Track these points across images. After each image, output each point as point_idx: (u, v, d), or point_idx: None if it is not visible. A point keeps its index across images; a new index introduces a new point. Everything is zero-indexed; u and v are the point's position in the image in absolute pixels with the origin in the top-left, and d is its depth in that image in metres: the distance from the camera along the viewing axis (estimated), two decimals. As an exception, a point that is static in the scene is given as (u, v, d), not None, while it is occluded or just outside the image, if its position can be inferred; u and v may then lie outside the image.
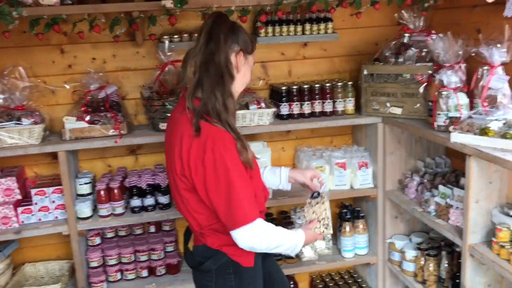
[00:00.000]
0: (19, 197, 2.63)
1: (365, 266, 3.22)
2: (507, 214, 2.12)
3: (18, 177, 2.65)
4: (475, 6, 2.55)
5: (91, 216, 2.69)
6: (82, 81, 2.71)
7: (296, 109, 2.82)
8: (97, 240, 2.85)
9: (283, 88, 2.82)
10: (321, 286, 3.23)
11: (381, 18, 3.04)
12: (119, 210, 2.71)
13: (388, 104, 2.73)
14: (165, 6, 2.47)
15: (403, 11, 2.74)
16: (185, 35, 2.72)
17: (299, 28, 2.81)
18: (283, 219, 3.08)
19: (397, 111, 2.70)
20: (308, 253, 3.00)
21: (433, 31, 2.67)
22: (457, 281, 2.40)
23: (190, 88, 1.81)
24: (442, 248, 2.63)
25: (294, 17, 2.81)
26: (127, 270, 2.87)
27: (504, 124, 2.06)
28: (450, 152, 2.91)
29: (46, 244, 2.93)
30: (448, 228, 2.37)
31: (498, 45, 2.20)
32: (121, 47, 2.81)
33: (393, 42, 2.81)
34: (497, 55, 2.21)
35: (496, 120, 2.10)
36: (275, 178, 2.21)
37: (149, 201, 2.75)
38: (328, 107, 2.85)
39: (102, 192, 2.66)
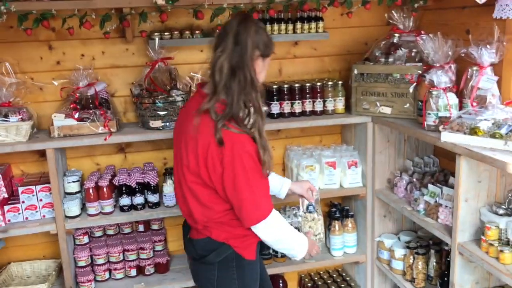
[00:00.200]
0: (5, 195, 2.59)
1: (353, 264, 3.23)
2: (496, 213, 2.15)
3: (4, 175, 2.61)
4: (464, 7, 2.59)
5: (79, 215, 2.66)
6: (70, 78, 2.67)
7: (287, 108, 2.83)
8: (85, 239, 2.82)
9: (274, 87, 2.82)
10: (310, 284, 3.25)
11: (371, 18, 3.06)
12: (108, 209, 2.68)
13: (378, 104, 2.74)
14: (156, 3, 2.46)
15: (393, 11, 2.76)
16: (176, 32, 2.71)
17: (290, 26, 2.82)
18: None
19: (387, 110, 2.72)
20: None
21: (422, 32, 2.70)
22: (445, 279, 2.43)
23: (213, 88, 1.83)
24: (431, 247, 2.66)
25: (285, 16, 2.81)
26: (115, 269, 2.84)
27: (493, 124, 2.09)
28: (438, 152, 2.95)
29: (33, 243, 2.89)
30: (437, 227, 2.39)
31: (488, 46, 2.24)
32: (110, 44, 2.78)
33: (383, 42, 2.83)
34: (487, 55, 2.24)
35: (485, 120, 2.12)
36: (277, 186, 2.33)
37: (139, 199, 2.72)
38: (319, 106, 2.85)
39: (90, 191, 2.64)
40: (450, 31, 2.57)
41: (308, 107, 2.85)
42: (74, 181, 2.67)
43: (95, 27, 2.57)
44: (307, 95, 2.84)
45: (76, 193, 2.67)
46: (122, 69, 2.84)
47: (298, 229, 2.30)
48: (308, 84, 2.86)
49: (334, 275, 3.29)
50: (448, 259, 2.39)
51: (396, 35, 2.78)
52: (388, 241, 2.92)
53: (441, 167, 2.89)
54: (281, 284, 3.15)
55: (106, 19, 2.52)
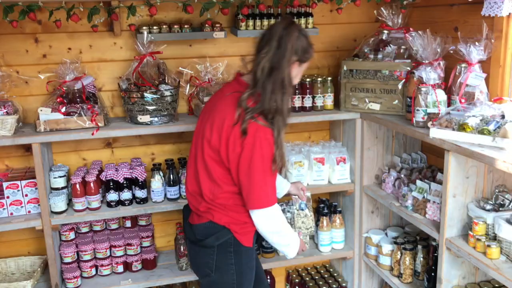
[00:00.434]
0: (-10, 190, 2.55)
1: (341, 260, 3.25)
2: (483, 208, 2.17)
3: (-11, 170, 2.57)
4: (453, 4, 2.61)
5: (65, 210, 2.62)
6: (57, 72, 2.63)
7: (276, 104, 2.81)
8: (71, 235, 2.78)
9: (263, 82, 2.80)
10: (297, 280, 3.25)
11: (360, 14, 3.07)
12: (95, 204, 2.65)
13: (367, 100, 2.75)
14: (145, -4, 2.43)
15: (382, 8, 2.77)
16: (164, 26, 2.68)
17: (280, 22, 2.81)
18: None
19: (376, 107, 2.73)
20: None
21: (411, 29, 2.71)
22: (432, 274, 2.45)
23: (253, 82, 1.95)
24: (418, 242, 2.68)
25: (275, 11, 2.80)
26: (102, 265, 2.81)
27: (481, 120, 2.11)
28: (426, 148, 2.97)
29: (17, 239, 2.85)
30: (425, 222, 2.41)
31: (476, 43, 2.26)
32: (98, 38, 2.74)
33: (372, 39, 2.84)
34: (475, 52, 2.26)
35: (473, 116, 2.15)
36: (280, 185, 2.42)
37: (126, 195, 2.70)
38: (308, 103, 2.85)
39: (77, 186, 2.60)
40: (439, 28, 2.59)
41: (297, 103, 2.85)
42: (60, 176, 2.63)
43: (82, 20, 2.54)
44: (296, 91, 2.83)
45: (62, 188, 2.64)
46: (110, 63, 2.80)
47: (290, 224, 2.37)
48: (297, 80, 2.84)
49: (322, 271, 3.30)
50: (435, 254, 2.41)
51: (385, 31, 2.79)
52: (376, 236, 2.93)
53: (429, 164, 2.92)
54: (268, 280, 3.15)
55: (94, 12, 2.48)
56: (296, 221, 2.60)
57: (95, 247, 2.79)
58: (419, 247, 2.64)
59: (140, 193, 2.71)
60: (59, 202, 2.58)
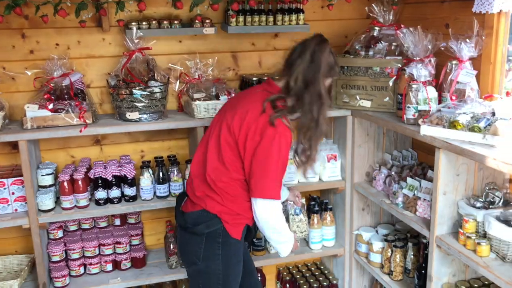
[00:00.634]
0: (-24, 188, 2.51)
1: (332, 257, 3.24)
2: (473, 206, 2.17)
3: (-25, 167, 2.53)
4: (444, 1, 2.60)
5: (53, 209, 2.59)
6: (44, 68, 2.59)
7: (266, 101, 2.79)
8: (60, 233, 2.75)
9: (254, 79, 2.78)
10: (288, 278, 3.24)
11: (351, 11, 3.05)
12: (83, 202, 2.62)
13: (358, 97, 2.74)
14: (134, -9, 2.39)
15: (373, 5, 2.76)
16: (154, 22, 2.65)
17: (271, 18, 2.78)
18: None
19: (367, 104, 2.72)
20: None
21: (402, 25, 2.70)
22: (423, 271, 2.45)
23: (286, 90, 2.05)
24: (408, 240, 2.68)
25: (265, 7, 2.78)
26: (90, 264, 2.78)
27: (472, 117, 2.11)
28: (417, 146, 2.97)
29: (4, 238, 2.81)
30: (416, 220, 2.40)
31: (467, 40, 2.25)
32: (86, 33, 2.70)
33: (363, 36, 2.83)
34: (466, 49, 2.25)
35: (464, 113, 2.14)
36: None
37: (115, 193, 2.67)
38: (299, 99, 2.83)
39: (65, 184, 2.57)
40: (429, 25, 2.58)
41: (288, 100, 2.83)
42: (48, 174, 2.59)
43: (70, 16, 2.50)
44: (287, 88, 2.81)
45: (50, 186, 2.60)
46: (99, 59, 2.77)
47: None
48: (288, 77, 2.82)
49: (313, 268, 3.29)
50: (426, 252, 2.41)
51: (376, 28, 2.78)
52: (366, 234, 2.93)
53: (420, 161, 2.91)
54: (259, 278, 3.13)
55: (81, 7, 2.45)
56: (292, 225, 2.72)
57: (83, 245, 2.76)
58: (410, 244, 2.64)
59: (129, 191, 2.68)
60: (46, 200, 2.54)
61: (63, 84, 2.59)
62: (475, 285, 2.29)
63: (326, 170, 2.93)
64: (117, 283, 2.73)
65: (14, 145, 2.57)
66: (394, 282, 2.69)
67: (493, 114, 2.11)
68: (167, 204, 2.71)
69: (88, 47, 2.74)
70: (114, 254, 2.82)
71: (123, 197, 2.71)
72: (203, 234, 2.08)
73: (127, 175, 2.67)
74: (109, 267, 2.81)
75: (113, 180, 2.65)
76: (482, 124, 2.03)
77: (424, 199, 2.39)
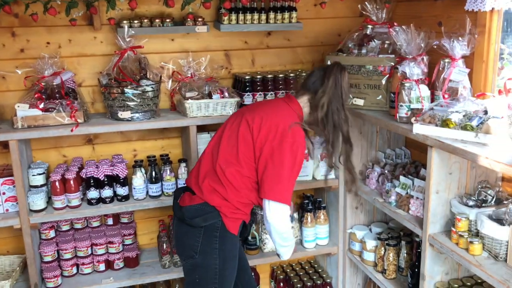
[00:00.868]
0: (-34, 188, 2.49)
1: (325, 256, 3.24)
2: (466, 204, 2.17)
3: (-35, 168, 2.51)
4: (437, -1, 2.59)
5: (45, 209, 2.57)
6: (35, 67, 2.57)
7: (259, 99, 2.79)
8: (52, 233, 2.73)
9: (247, 77, 2.78)
10: (282, 276, 3.24)
11: (344, 9, 3.04)
12: (75, 202, 2.61)
13: (350, 95, 2.73)
14: (125, -11, 2.38)
15: (366, 3, 2.74)
16: (146, 20, 2.63)
17: (263, 16, 2.77)
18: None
19: (360, 102, 2.71)
20: (271, 244, 2.99)
21: (395, 23, 2.69)
22: (416, 270, 2.45)
23: (311, 109, 2.21)
24: (402, 238, 2.68)
25: (258, 5, 2.76)
26: (83, 264, 2.77)
27: (464, 116, 2.10)
28: (410, 144, 2.96)
29: (-5, 238, 2.79)
30: (409, 218, 2.40)
31: (460, 38, 2.24)
32: (77, 32, 2.68)
33: (356, 34, 2.82)
34: (459, 48, 2.24)
35: (456, 112, 2.13)
36: None
37: (107, 192, 2.65)
38: (292, 98, 2.83)
39: (57, 183, 2.55)
40: (422, 23, 2.57)
41: (281, 98, 2.82)
42: (39, 174, 2.58)
43: (61, 14, 2.48)
44: (280, 86, 2.81)
45: (42, 186, 2.59)
46: (90, 58, 2.75)
47: None
48: (281, 75, 2.83)
49: (306, 267, 3.29)
50: (419, 250, 2.41)
51: (369, 26, 2.76)
52: (360, 232, 2.92)
53: (413, 159, 2.91)
54: (253, 276, 3.12)
55: (71, 5, 2.43)
56: None
57: (76, 245, 2.75)
58: (403, 243, 2.64)
59: (122, 191, 2.67)
60: (38, 200, 2.53)
61: (54, 83, 2.57)
62: (468, 284, 2.29)
63: (320, 168, 2.93)
64: (110, 283, 2.71)
65: (5, 145, 2.55)
66: (388, 281, 2.69)
67: (486, 112, 2.10)
68: (160, 204, 2.70)
69: (79, 46, 2.72)
70: (107, 254, 2.80)
71: (115, 197, 2.69)
72: (201, 228, 2.10)
73: (119, 175, 2.65)
74: (102, 267, 2.80)
75: (105, 179, 2.63)
76: (474, 123, 2.02)
77: (417, 198, 2.39)
